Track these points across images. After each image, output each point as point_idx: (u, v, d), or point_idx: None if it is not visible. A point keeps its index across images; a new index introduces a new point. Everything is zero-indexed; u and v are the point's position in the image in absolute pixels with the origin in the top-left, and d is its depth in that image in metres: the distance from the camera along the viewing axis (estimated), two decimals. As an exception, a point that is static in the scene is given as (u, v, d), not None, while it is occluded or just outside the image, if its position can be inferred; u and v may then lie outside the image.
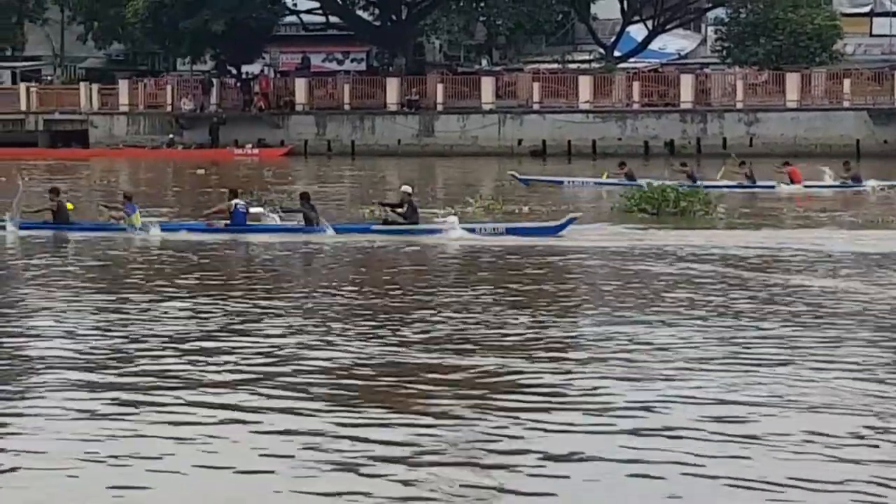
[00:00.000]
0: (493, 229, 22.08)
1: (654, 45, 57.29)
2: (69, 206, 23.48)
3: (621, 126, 47.30)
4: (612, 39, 56.30)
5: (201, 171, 39.26)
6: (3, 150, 48.60)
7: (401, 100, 50.23)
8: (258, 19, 51.88)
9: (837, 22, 50.93)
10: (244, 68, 56.74)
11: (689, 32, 62.31)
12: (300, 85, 51.93)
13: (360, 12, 56.07)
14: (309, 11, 55.50)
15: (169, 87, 53.17)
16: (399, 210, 22.09)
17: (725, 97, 48.11)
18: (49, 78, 63.85)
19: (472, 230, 21.73)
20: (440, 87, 50.34)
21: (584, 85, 48.77)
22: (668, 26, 56.42)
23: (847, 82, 45.75)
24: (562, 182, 34.19)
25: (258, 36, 53.76)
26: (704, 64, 56.16)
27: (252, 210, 22.64)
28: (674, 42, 60.67)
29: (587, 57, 59.38)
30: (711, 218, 23.98)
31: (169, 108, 52.23)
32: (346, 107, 50.72)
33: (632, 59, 55.97)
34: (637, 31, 56.75)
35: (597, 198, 30.92)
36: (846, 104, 45.34)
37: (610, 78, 50.14)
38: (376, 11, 55.65)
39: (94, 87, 54.55)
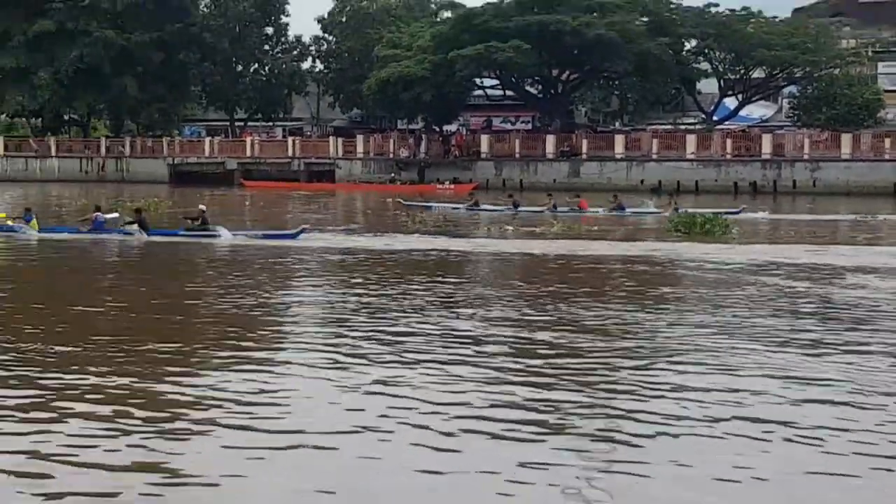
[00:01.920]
0: (255, 235, 23.39)
1: (743, 112, 58.90)
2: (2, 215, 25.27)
3: (717, 171, 48.53)
4: (712, 108, 57.94)
5: (399, 201, 38.93)
6: (276, 183, 51.32)
7: (556, 150, 51.78)
8: (456, 92, 55.97)
9: (881, 96, 53.65)
10: (445, 127, 60.65)
11: (769, 103, 63.59)
12: (484, 139, 54.53)
13: (528, 88, 58.48)
14: (492, 87, 58.57)
15: (391, 140, 55.49)
16: (196, 222, 23.40)
17: (795, 150, 48.78)
18: (308, 133, 68.82)
19: (242, 235, 23.25)
20: (585, 141, 52.21)
21: (690, 141, 50.36)
22: (753, 98, 58.18)
23: (888, 140, 47.12)
24: (431, 206, 34.78)
25: (455, 104, 58.32)
26: (780, 126, 57.63)
27: (109, 216, 24.41)
28: (757, 110, 62.26)
29: (693, 121, 61.85)
30: (728, 237, 24.49)
31: (391, 155, 54.38)
32: (517, 155, 52.51)
33: (726, 123, 57.73)
34: (730, 102, 58.37)
35: (645, 221, 30.92)
36: (886, 157, 46.71)
37: (709, 136, 51.49)
38: (540, 87, 58.14)
39: (340, 140, 57.19)
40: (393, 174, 51.81)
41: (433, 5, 68.59)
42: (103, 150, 59.32)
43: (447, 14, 61.19)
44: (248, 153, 57.19)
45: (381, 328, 11.87)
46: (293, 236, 22.90)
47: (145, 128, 66.55)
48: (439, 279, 16.56)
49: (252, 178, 53.03)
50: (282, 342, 11.25)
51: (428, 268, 18.55)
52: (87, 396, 8.60)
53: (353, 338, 11.15)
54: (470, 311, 13.20)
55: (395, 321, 12.42)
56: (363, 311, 13.22)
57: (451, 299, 14.21)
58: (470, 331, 11.69)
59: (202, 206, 24.61)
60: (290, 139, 60.36)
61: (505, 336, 11.42)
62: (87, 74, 60.03)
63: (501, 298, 14.36)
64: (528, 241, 23.71)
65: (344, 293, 14.84)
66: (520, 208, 33.09)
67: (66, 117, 66.95)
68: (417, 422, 7.79)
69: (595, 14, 52.65)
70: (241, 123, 71.78)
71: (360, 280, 16.43)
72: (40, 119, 65.70)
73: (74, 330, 11.67)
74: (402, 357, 10.17)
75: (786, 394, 8.70)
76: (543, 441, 7.41)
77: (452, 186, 47.27)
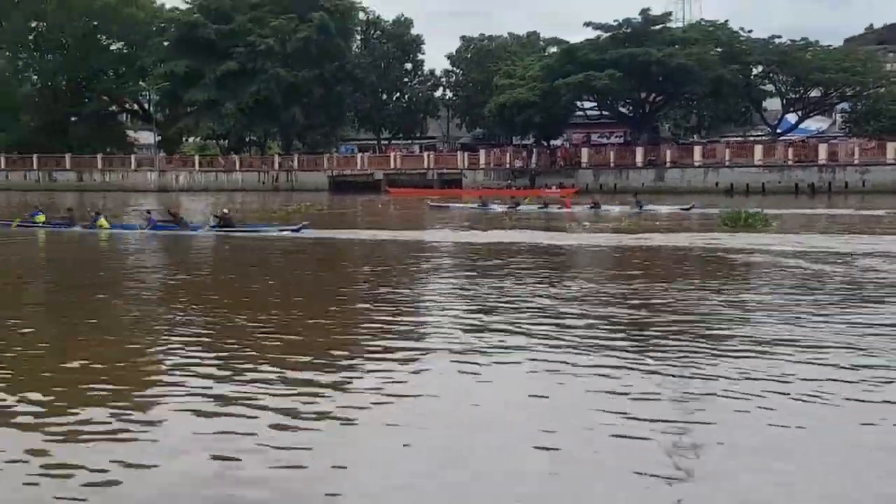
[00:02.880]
0: (268, 228, 23.51)
1: (802, 125, 62.15)
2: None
3: (780, 175, 50.47)
4: (776, 122, 61.38)
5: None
6: (415, 190, 52.66)
7: (644, 160, 54.54)
8: (560, 113, 59.87)
9: (923, 109, 55.37)
10: (551, 141, 64.15)
11: (824, 117, 66.71)
12: (584, 151, 57.46)
13: (621, 108, 62.12)
14: (591, 108, 62.21)
15: (508, 154, 58.75)
16: (219, 220, 23.86)
17: (847, 157, 51.01)
18: (440, 149, 72.25)
19: (257, 229, 23.47)
20: (668, 151, 55.03)
21: (758, 150, 53.06)
22: (811, 114, 61.76)
23: (927, 147, 49.50)
24: (449, 206, 35.78)
25: (560, 123, 62.24)
26: (834, 137, 60.25)
27: (159, 220, 24.74)
28: (815, 123, 65.35)
29: (759, 133, 65.35)
30: (768, 228, 24.63)
31: (508, 166, 57.21)
32: (612, 164, 55.09)
33: (788, 134, 60.55)
34: (791, 117, 61.60)
35: (693, 216, 31.16)
36: (926, 162, 48.99)
37: (774, 146, 54.32)
38: (630, 108, 61.93)
39: (465, 154, 60.75)
40: (509, 181, 54.19)
41: (542, 42, 73.21)
42: (276, 165, 64.01)
43: (553, 49, 64.48)
44: (392, 166, 60.69)
45: (498, 313, 11.29)
46: (297, 230, 23.23)
47: (310, 147, 71.26)
48: (542, 266, 16.76)
49: (395, 186, 55.61)
50: (410, 331, 10.39)
51: (530, 255, 18.91)
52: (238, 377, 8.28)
53: (470, 327, 10.41)
54: (565, 290, 13.18)
55: (508, 306, 11.79)
56: (477, 299, 12.54)
57: (554, 283, 13.93)
58: (572, 312, 11.30)
59: (225, 210, 25.35)
60: (425, 154, 64.11)
61: (608, 315, 11.06)
62: (263, 105, 65.92)
63: (591, 282, 14.14)
64: (607, 234, 24.16)
65: (460, 283, 14.29)
66: (602, 208, 35.01)
67: (247, 139, 72.62)
68: (543, 417, 7.04)
69: (677, 46, 56.38)
70: (386, 142, 78.05)
71: (474, 271, 16.06)
72: (227, 141, 71.61)
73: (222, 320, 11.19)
74: (524, 343, 9.51)
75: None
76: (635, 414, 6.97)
77: (558, 190, 48.96)
